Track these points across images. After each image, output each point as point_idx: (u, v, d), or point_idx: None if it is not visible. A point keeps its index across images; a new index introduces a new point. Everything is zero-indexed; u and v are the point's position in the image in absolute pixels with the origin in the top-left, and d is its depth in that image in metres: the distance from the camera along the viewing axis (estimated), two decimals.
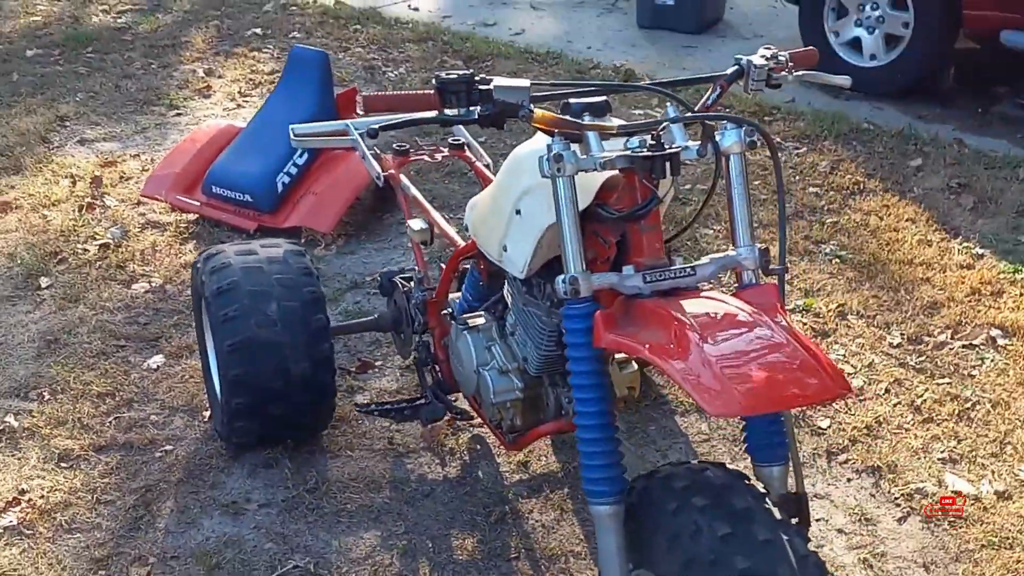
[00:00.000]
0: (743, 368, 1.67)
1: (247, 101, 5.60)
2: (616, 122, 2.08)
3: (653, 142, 1.91)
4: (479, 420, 2.78)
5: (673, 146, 1.93)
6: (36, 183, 4.63)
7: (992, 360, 3.44)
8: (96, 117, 5.40)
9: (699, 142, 1.96)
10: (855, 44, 5.67)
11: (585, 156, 1.92)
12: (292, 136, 3.12)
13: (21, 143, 5.03)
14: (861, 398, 3.30)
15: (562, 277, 1.90)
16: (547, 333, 2.28)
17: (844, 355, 3.50)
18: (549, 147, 1.89)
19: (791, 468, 2.02)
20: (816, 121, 5.28)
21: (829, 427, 3.17)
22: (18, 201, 4.46)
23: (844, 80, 2.28)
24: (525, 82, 1.95)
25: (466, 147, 3.18)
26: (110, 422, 3.11)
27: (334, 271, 4.01)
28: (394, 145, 3.11)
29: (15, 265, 3.98)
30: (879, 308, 3.75)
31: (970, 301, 3.76)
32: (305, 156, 4.31)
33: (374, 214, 4.43)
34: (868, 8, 5.58)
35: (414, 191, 2.96)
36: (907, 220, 4.35)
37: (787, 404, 1.72)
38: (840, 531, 2.78)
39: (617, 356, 2.69)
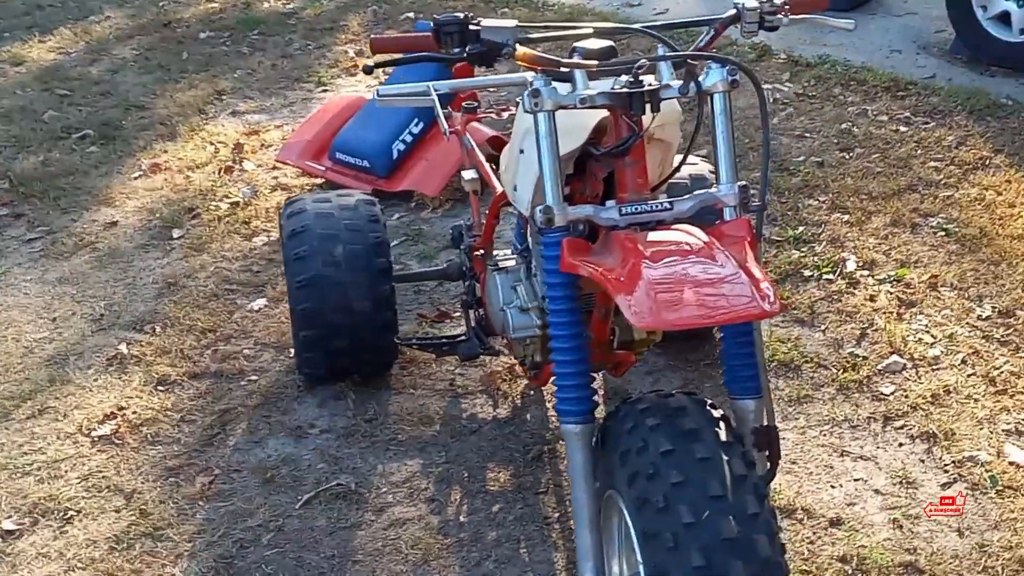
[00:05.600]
0: (675, 289, 1.74)
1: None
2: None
3: (632, 80, 1.99)
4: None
5: (652, 84, 2.01)
6: (186, 148, 5.06)
7: None
8: (250, 92, 5.82)
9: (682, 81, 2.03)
10: (1004, 18, 5.41)
11: (566, 93, 2.02)
12: (376, 97, 3.33)
13: (180, 113, 5.50)
14: (935, 367, 3.22)
15: (539, 207, 2.02)
16: None
17: (927, 325, 3.42)
18: (530, 83, 2.01)
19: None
20: (950, 97, 5.10)
21: (892, 393, 3.13)
22: (167, 163, 4.90)
23: (847, 23, 2.28)
24: (512, 22, 2.07)
25: None
26: (207, 354, 3.42)
27: (435, 231, 4.22)
28: (464, 104, 3.28)
29: (155, 219, 4.39)
30: (975, 281, 3.64)
31: None
32: (421, 125, 4.55)
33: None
34: None
35: (473, 145, 3.12)
36: None
37: (708, 320, 1.77)
38: (877, 491, 2.76)
39: None
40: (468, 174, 2.98)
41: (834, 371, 3.23)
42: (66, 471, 2.93)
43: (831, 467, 2.85)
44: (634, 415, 1.92)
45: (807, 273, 3.76)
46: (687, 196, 2.06)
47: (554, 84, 2.03)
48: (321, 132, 4.76)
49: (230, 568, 2.57)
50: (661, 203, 2.03)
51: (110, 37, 6.91)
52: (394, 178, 4.53)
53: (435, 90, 3.31)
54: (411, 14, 6.98)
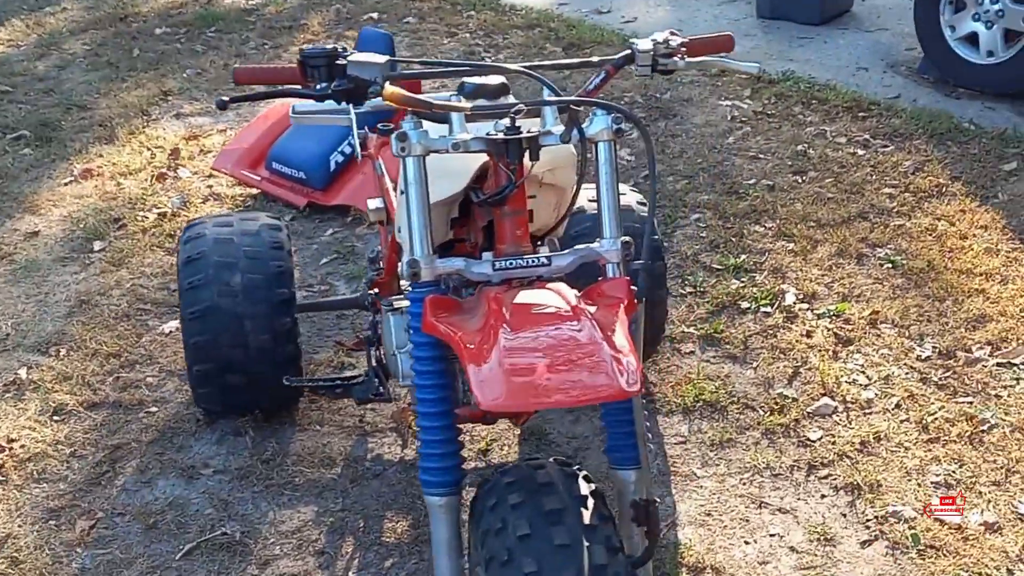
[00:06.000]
0: (528, 363, 1.60)
1: None
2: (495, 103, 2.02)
3: (510, 125, 1.85)
4: None
5: (532, 130, 1.86)
6: (122, 153, 4.90)
7: None
8: (197, 93, 5.65)
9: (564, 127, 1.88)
10: (972, 39, 5.26)
11: (438, 137, 1.88)
12: (291, 114, 3.17)
13: (121, 115, 5.33)
14: (866, 411, 3.08)
15: (405, 259, 1.87)
16: None
17: (863, 365, 3.28)
18: (399, 126, 1.86)
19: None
20: (912, 119, 4.96)
21: (819, 439, 2.99)
22: (100, 169, 4.73)
23: (751, 67, 2.13)
24: (382, 58, 1.92)
25: None
26: (109, 381, 3.26)
27: (369, 249, 4.05)
28: (378, 125, 3.11)
29: (78, 229, 4.22)
30: (918, 318, 3.50)
31: (1023, 316, 3.45)
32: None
33: None
34: (988, 2, 5.17)
35: (384, 171, 2.96)
36: (980, 227, 4.03)
37: (558, 403, 1.63)
38: (792, 549, 2.62)
39: None
40: (373, 203, 2.83)
41: (761, 413, 3.09)
42: None
43: (747, 520, 2.71)
44: (498, 490, 1.78)
45: (744, 305, 3.61)
46: (567, 251, 1.92)
47: (427, 126, 1.89)
48: (260, 140, 4.61)
49: None
50: (538, 258, 1.89)
51: (63, 30, 6.74)
52: (330, 191, 4.38)
53: (354, 110, 3.18)
54: (374, 14, 6.82)
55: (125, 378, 3.27)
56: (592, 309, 1.74)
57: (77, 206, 4.43)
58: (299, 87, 1.99)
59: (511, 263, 1.87)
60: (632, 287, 1.85)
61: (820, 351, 3.35)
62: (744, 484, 2.83)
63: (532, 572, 1.61)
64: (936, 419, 3.03)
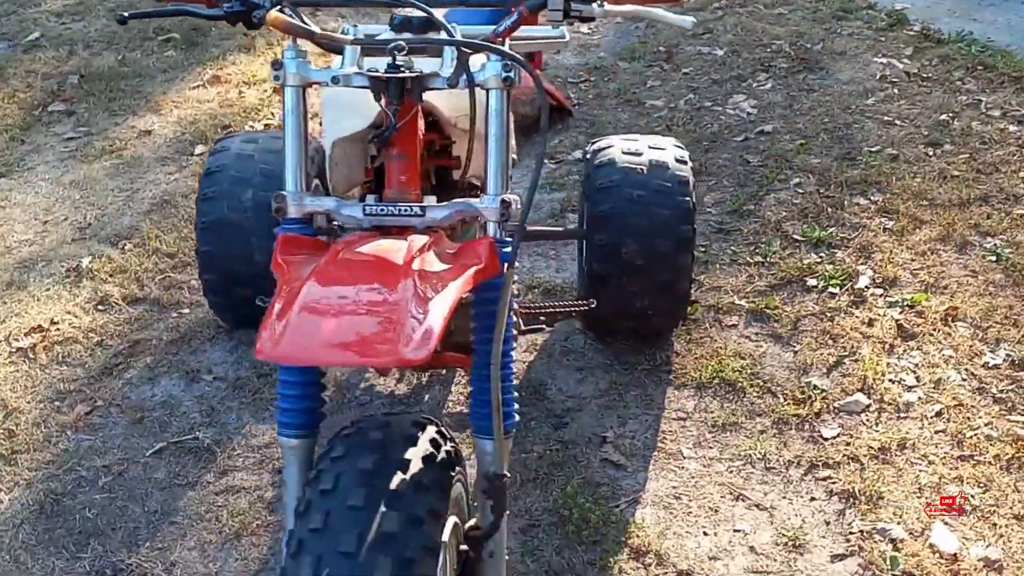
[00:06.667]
0: (319, 318, 1.51)
1: None
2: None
3: (391, 63, 1.75)
4: None
5: (414, 70, 1.75)
6: (254, 63, 5.06)
7: None
8: (347, 11, 5.73)
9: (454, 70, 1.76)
10: None
11: (319, 68, 1.80)
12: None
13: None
14: (901, 415, 2.80)
15: (275, 193, 1.82)
16: None
17: (916, 364, 2.97)
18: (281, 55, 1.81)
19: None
20: None
21: (833, 437, 2.74)
22: (228, 76, 4.91)
23: (685, 21, 1.90)
24: None
25: None
26: (157, 280, 3.41)
27: None
28: None
29: (187, 132, 4.41)
30: (1001, 320, 3.12)
31: None
32: None
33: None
34: None
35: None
36: None
37: (328, 361, 1.54)
38: (752, 549, 2.42)
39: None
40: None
41: (780, 400, 2.86)
42: None
43: (716, 511, 2.53)
44: (335, 440, 1.72)
45: (811, 282, 3.34)
46: (445, 204, 1.80)
47: (311, 58, 1.82)
48: None
49: (56, 505, 2.55)
50: (412, 207, 1.79)
51: None
52: None
53: None
54: None
55: (172, 278, 3.40)
56: (435, 268, 1.63)
57: (196, 110, 4.61)
58: (201, 6, 1.95)
59: (382, 209, 1.78)
60: (504, 249, 1.73)
61: (875, 342, 3.06)
62: (731, 472, 2.64)
63: (315, 529, 1.55)
64: (976, 435, 2.71)
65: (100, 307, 3.30)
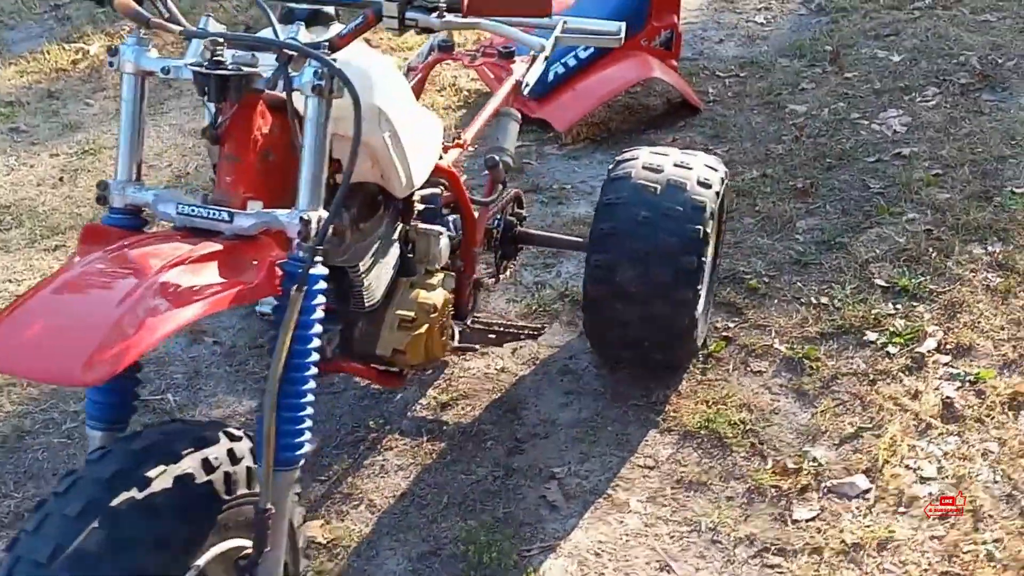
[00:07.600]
0: (28, 325, 1.48)
1: None
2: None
3: (212, 58, 1.68)
4: None
5: (230, 67, 1.68)
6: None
7: None
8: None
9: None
10: None
11: (154, 58, 1.76)
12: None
13: None
14: (902, 510, 2.44)
15: (98, 181, 1.81)
16: None
17: (946, 452, 2.57)
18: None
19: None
20: None
21: (806, 520, 2.42)
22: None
23: (534, 41, 1.66)
24: None
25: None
26: None
27: (539, 170, 3.89)
28: (439, 41, 2.91)
29: None
30: None
31: None
32: (591, 51, 4.16)
33: (632, 128, 4.14)
34: None
35: None
36: None
37: (11, 371, 1.50)
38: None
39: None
40: None
41: (767, 467, 2.57)
42: None
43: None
44: (113, 443, 1.72)
45: (870, 336, 2.96)
46: (254, 212, 1.72)
47: (152, 47, 1.78)
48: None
49: (19, 441, 2.70)
50: (221, 212, 1.72)
51: None
52: (544, 102, 4.21)
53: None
54: None
55: None
56: (192, 282, 1.55)
57: None
58: None
59: (193, 209, 1.72)
60: (280, 268, 1.63)
61: (909, 419, 2.68)
62: (671, 537, 2.40)
63: (27, 531, 1.55)
64: (976, 552, 2.31)
65: None
